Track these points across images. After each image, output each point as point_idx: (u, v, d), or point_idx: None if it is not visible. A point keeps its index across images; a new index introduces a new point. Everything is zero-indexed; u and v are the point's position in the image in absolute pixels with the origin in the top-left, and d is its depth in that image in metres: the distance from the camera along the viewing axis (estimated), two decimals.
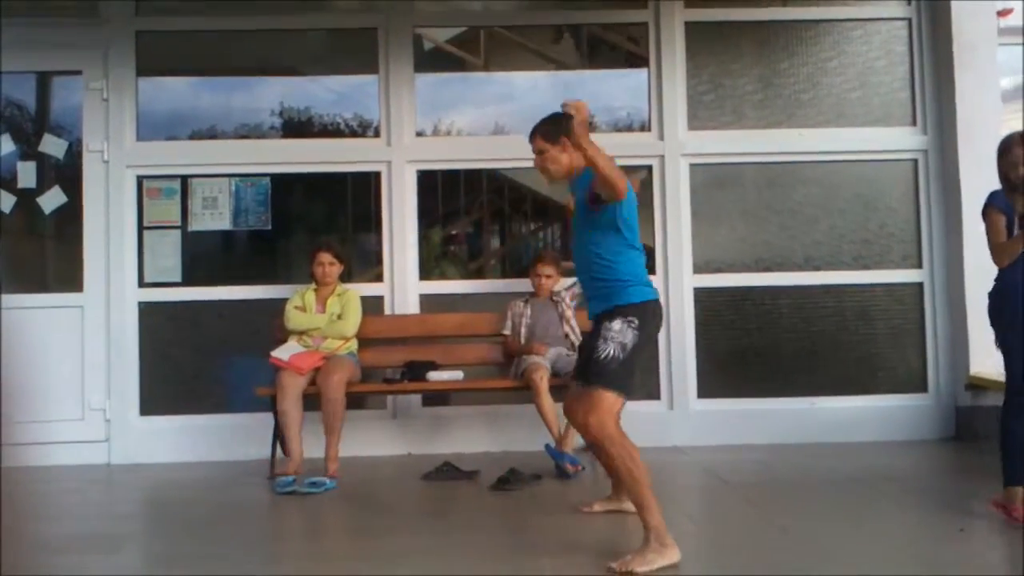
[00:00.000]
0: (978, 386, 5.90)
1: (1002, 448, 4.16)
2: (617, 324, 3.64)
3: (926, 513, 4.37)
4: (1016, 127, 6.15)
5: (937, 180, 6.23)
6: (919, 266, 6.26)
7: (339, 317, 5.55)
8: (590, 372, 3.63)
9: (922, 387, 6.20)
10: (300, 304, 5.58)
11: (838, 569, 3.46)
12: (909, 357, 6.25)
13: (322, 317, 5.54)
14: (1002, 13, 6.32)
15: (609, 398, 3.57)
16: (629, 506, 3.81)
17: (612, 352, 3.59)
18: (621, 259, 3.75)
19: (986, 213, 4.26)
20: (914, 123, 6.32)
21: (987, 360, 5.84)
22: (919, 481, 5.06)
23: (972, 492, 4.69)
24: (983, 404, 5.90)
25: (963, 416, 6.03)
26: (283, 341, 5.51)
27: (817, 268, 6.26)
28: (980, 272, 5.78)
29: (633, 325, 3.63)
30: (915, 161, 6.29)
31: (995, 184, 5.65)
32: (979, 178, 5.96)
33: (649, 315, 3.71)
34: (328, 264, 5.58)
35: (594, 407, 3.56)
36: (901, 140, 6.30)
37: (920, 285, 6.24)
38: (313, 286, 5.64)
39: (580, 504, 4.44)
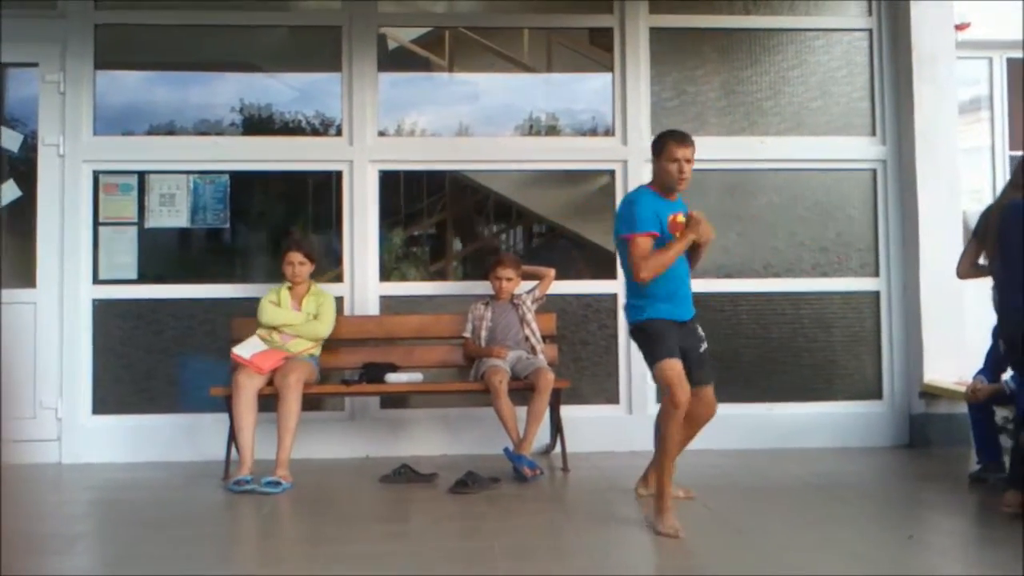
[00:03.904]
0: (931, 394, 5.98)
1: None
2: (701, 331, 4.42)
3: (878, 519, 4.41)
4: (972, 139, 6.29)
5: (895, 190, 6.30)
6: (876, 275, 6.33)
7: (315, 317, 5.50)
8: (713, 372, 4.45)
9: (877, 394, 6.27)
10: (275, 300, 5.52)
11: (791, 572, 3.49)
12: (865, 365, 6.32)
13: (298, 315, 5.49)
14: (960, 27, 6.42)
15: None
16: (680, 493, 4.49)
17: None
18: None
19: None
20: (873, 133, 6.39)
21: (940, 368, 5.95)
22: (872, 487, 5.12)
23: (923, 499, 4.77)
24: (936, 412, 5.99)
25: (916, 423, 6.11)
26: (240, 340, 5.44)
27: (776, 275, 6.31)
28: (936, 282, 5.91)
29: None
30: (874, 171, 6.36)
31: (952, 194, 5.78)
32: (937, 188, 6.08)
33: None
34: (298, 263, 5.52)
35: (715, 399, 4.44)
36: (860, 150, 6.37)
37: (877, 294, 6.32)
38: (287, 284, 5.58)
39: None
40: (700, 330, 4.43)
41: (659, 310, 4.21)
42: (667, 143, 4.23)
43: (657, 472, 4.17)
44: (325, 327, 5.53)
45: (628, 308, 4.34)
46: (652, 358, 4.17)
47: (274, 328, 5.45)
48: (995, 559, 3.70)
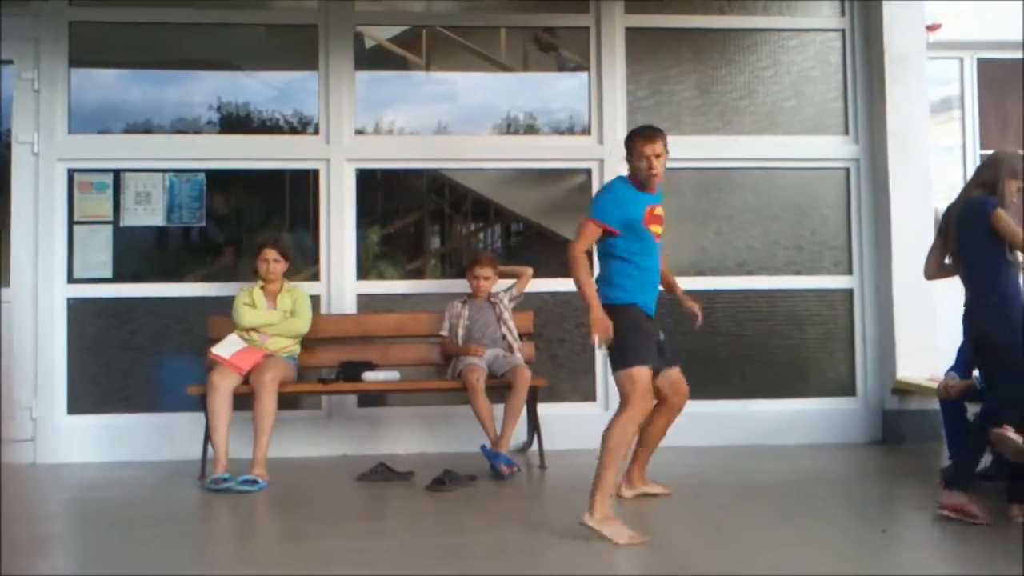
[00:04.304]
0: (904, 391, 6.04)
1: None
2: None
3: (852, 515, 4.47)
4: (943, 138, 6.36)
5: (868, 189, 6.37)
6: (849, 272, 6.39)
7: (291, 314, 5.49)
8: (675, 353, 4.57)
9: (850, 391, 6.34)
10: (249, 301, 5.50)
11: (767, 568, 3.53)
12: (838, 362, 6.38)
13: (275, 313, 5.48)
14: (931, 27, 6.50)
15: None
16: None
17: None
18: None
19: (995, 215, 4.22)
20: (846, 132, 6.45)
21: (913, 365, 6.01)
22: (846, 483, 5.17)
23: (896, 494, 4.82)
24: (909, 408, 6.06)
25: (889, 420, 6.18)
26: (217, 339, 5.43)
27: (751, 273, 6.36)
28: (908, 279, 5.97)
29: None
30: (847, 170, 6.42)
31: (924, 193, 5.82)
32: (909, 187, 6.15)
33: None
34: (273, 261, 5.50)
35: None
36: (834, 149, 6.43)
37: (850, 291, 6.38)
38: (259, 283, 5.56)
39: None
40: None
41: (639, 300, 4.22)
42: (635, 141, 4.23)
43: (599, 484, 3.96)
44: (303, 323, 5.52)
45: (612, 288, 4.19)
46: (626, 359, 4.04)
47: (253, 329, 5.44)
48: (965, 553, 3.76)
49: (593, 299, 4.07)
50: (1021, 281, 4.38)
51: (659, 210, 4.29)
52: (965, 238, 4.35)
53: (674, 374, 4.57)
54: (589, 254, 4.29)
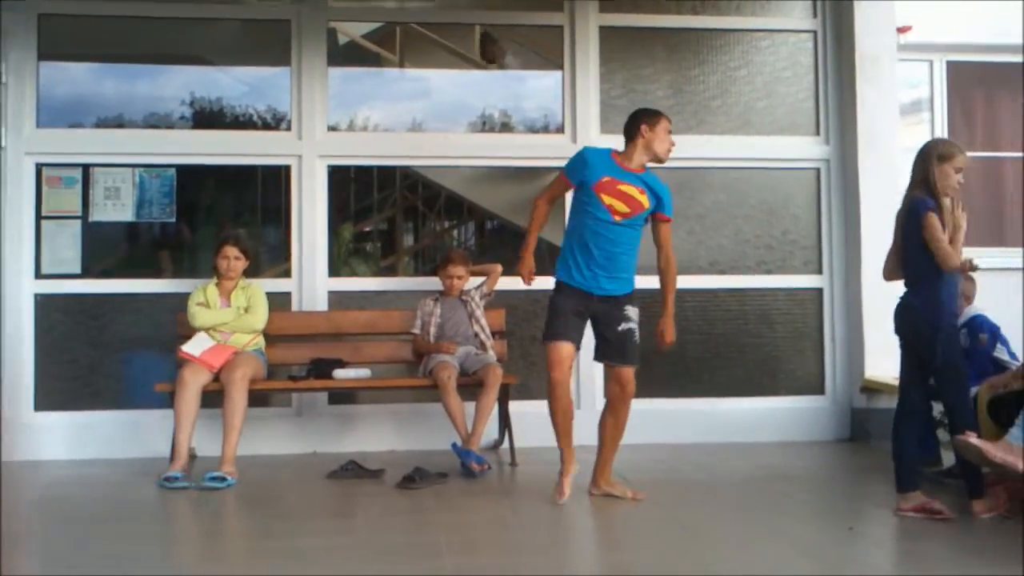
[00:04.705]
0: (872, 389, 6.11)
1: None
2: (635, 311, 4.54)
3: (820, 512, 4.51)
4: (913, 140, 6.39)
5: (838, 189, 6.42)
6: (819, 272, 6.44)
7: (246, 310, 5.47)
8: (632, 354, 4.52)
9: (819, 389, 6.39)
10: (203, 300, 5.46)
11: (734, 566, 3.55)
12: (808, 360, 6.43)
13: (229, 311, 5.45)
14: (902, 29, 6.56)
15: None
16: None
17: (638, 336, 4.55)
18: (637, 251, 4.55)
19: (925, 220, 4.18)
20: (817, 133, 6.50)
21: (881, 364, 6.06)
22: (814, 481, 5.22)
23: (864, 491, 4.87)
24: (877, 406, 6.11)
25: (858, 418, 6.24)
26: (187, 336, 5.40)
27: (722, 272, 6.40)
28: (877, 279, 5.99)
29: (638, 307, 4.57)
30: (817, 170, 6.47)
31: (893, 194, 5.83)
32: (878, 188, 6.20)
33: None
34: (234, 258, 5.47)
35: (631, 379, 4.53)
36: (805, 149, 6.48)
37: (820, 290, 6.43)
38: (214, 280, 5.53)
39: (555, 498, 4.55)
40: (630, 311, 4.54)
41: (572, 276, 4.51)
42: (661, 120, 4.56)
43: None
44: (259, 319, 5.48)
45: (557, 261, 4.64)
46: (543, 334, 4.56)
47: (209, 328, 5.40)
48: (928, 549, 3.80)
49: (526, 245, 4.70)
50: (958, 284, 4.40)
51: (633, 191, 4.43)
52: (905, 239, 4.36)
53: (620, 374, 4.54)
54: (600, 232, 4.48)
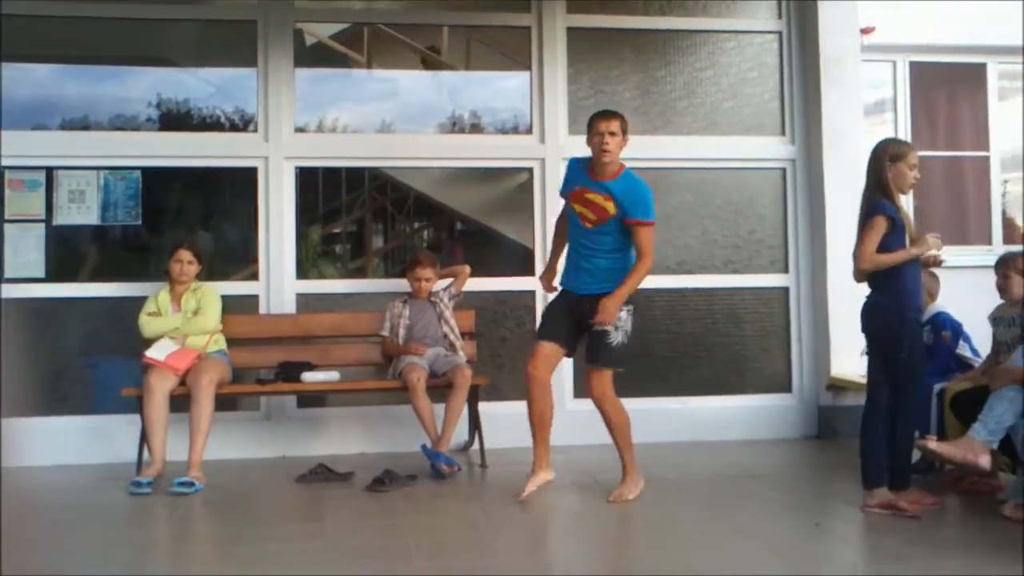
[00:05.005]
0: (838, 387, 6.17)
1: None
2: (624, 313, 4.51)
3: (787, 508, 4.55)
4: (877, 140, 6.43)
5: (804, 189, 6.48)
6: (785, 271, 6.50)
7: (195, 313, 5.42)
8: (600, 355, 4.52)
9: (787, 387, 6.45)
10: (154, 309, 5.42)
11: (702, 563, 3.58)
12: (775, 359, 6.49)
13: (177, 317, 5.40)
14: (865, 31, 6.63)
15: (610, 374, 4.57)
16: (547, 476, 4.64)
17: (620, 340, 4.52)
18: (628, 252, 4.55)
19: (872, 220, 4.27)
20: (783, 133, 6.56)
21: (847, 362, 6.13)
22: (782, 478, 5.27)
23: (830, 488, 4.92)
24: (843, 404, 6.18)
25: (824, 415, 6.30)
26: (151, 340, 5.35)
27: (689, 272, 6.44)
28: (842, 278, 6.06)
29: (631, 312, 4.56)
30: (783, 170, 6.53)
31: (858, 193, 5.86)
32: (843, 187, 6.25)
33: (634, 297, 4.58)
34: (187, 262, 5.43)
35: (597, 380, 4.56)
36: (770, 149, 6.53)
37: (786, 289, 6.49)
38: (167, 286, 5.49)
39: (516, 495, 4.58)
40: (617, 315, 4.51)
41: (564, 278, 4.73)
42: (591, 120, 4.59)
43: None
44: (208, 320, 5.41)
45: None
46: None
47: (161, 336, 5.36)
48: (892, 545, 3.84)
49: (549, 257, 5.01)
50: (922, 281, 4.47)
51: (596, 198, 4.51)
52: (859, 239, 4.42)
53: (587, 373, 4.63)
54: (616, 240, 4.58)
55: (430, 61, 6.96)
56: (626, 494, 4.57)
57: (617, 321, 4.48)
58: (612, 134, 4.47)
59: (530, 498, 4.53)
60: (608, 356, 4.54)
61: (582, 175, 4.62)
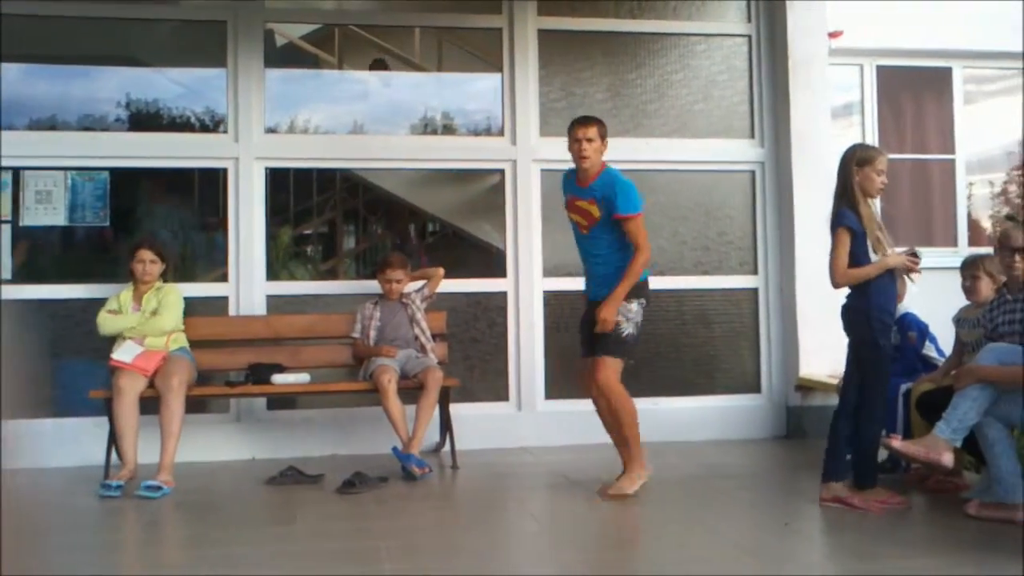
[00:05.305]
0: (806, 387, 6.23)
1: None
2: (635, 305, 4.59)
3: (756, 508, 4.59)
4: (845, 143, 6.49)
5: (772, 191, 6.53)
6: (755, 272, 6.55)
7: (154, 313, 5.38)
8: (608, 344, 4.54)
9: (756, 388, 6.50)
10: (116, 307, 5.36)
11: (675, 563, 3.60)
12: (744, 359, 6.54)
13: (135, 316, 5.34)
14: (833, 34, 6.70)
15: (616, 363, 4.58)
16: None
17: (630, 331, 4.57)
18: (629, 250, 4.60)
19: (836, 233, 4.33)
20: (752, 136, 6.60)
21: (815, 363, 6.19)
22: (752, 478, 5.31)
23: (799, 488, 4.96)
24: (811, 404, 6.24)
25: (793, 416, 6.36)
26: (112, 341, 5.29)
27: (661, 273, 6.42)
28: (810, 280, 6.14)
29: (643, 305, 4.64)
30: (753, 172, 6.58)
31: (826, 196, 5.90)
32: (811, 190, 6.31)
33: (647, 291, 4.71)
34: (149, 262, 5.38)
35: (601, 368, 4.54)
36: (740, 152, 6.58)
37: (755, 291, 6.54)
38: (131, 285, 5.44)
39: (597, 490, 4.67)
40: (624, 306, 4.59)
41: (586, 288, 4.86)
42: (569, 127, 4.69)
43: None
44: (165, 321, 5.34)
45: None
46: None
47: (118, 334, 5.31)
48: (858, 544, 3.89)
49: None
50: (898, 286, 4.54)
51: (582, 203, 4.65)
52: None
53: (594, 362, 4.67)
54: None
55: (378, 68, 6.95)
56: (626, 488, 4.58)
57: (628, 313, 4.56)
58: (590, 140, 4.58)
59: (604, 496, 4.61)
60: (616, 344, 4.57)
61: (571, 185, 4.77)
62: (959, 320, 4.86)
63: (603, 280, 4.66)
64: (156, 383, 5.10)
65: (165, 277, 5.53)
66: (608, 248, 4.64)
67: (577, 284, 6.28)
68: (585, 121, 4.66)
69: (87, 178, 5.95)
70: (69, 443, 5.63)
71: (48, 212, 5.91)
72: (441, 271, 5.91)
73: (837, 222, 4.33)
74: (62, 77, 6.26)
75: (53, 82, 6.23)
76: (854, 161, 4.35)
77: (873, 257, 4.31)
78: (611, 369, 4.59)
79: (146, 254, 5.38)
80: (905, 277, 4.56)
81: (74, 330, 5.85)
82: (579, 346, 4.84)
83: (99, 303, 5.61)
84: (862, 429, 4.33)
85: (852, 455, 4.39)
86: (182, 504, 4.73)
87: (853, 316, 4.38)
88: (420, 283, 5.87)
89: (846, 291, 4.45)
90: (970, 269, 4.75)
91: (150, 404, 5.10)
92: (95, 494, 4.85)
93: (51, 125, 6.09)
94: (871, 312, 4.30)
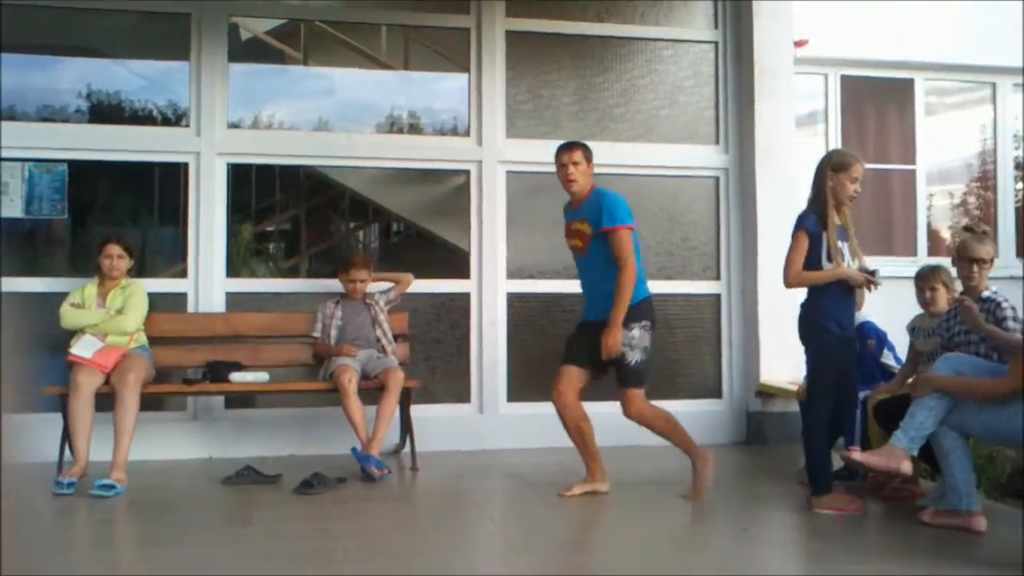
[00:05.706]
0: (767, 393, 6.27)
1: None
2: (636, 331, 4.57)
3: (714, 513, 4.59)
4: (809, 151, 6.58)
5: (736, 197, 6.57)
6: (717, 278, 6.58)
7: (119, 312, 5.30)
8: (626, 379, 4.63)
9: (717, 393, 6.53)
10: (78, 300, 5.28)
11: (633, 566, 3.60)
12: (706, 364, 6.57)
13: (99, 313, 5.25)
14: (799, 43, 6.75)
15: (640, 392, 4.67)
16: (601, 487, 4.76)
17: (638, 358, 4.59)
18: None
19: (794, 236, 4.40)
20: (717, 142, 6.64)
21: (776, 369, 6.23)
22: (710, 483, 5.31)
23: (757, 493, 4.99)
24: (771, 410, 6.28)
25: (753, 421, 6.39)
26: (72, 334, 5.20)
27: None
28: (772, 286, 6.16)
29: (646, 327, 4.61)
30: (717, 178, 6.61)
31: (789, 203, 5.97)
32: (774, 197, 6.37)
33: (651, 310, 4.67)
34: (117, 257, 5.30)
35: (631, 402, 4.67)
36: (705, 158, 6.61)
37: (718, 296, 6.57)
38: (96, 280, 5.36)
39: (561, 490, 4.74)
40: (626, 335, 4.56)
41: (584, 310, 4.86)
42: (555, 154, 4.79)
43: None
44: (129, 321, 5.28)
45: None
46: None
47: (81, 328, 5.22)
48: (815, 550, 3.92)
49: None
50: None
51: (576, 225, 4.73)
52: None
53: (621, 397, 4.74)
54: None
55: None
56: (704, 485, 4.68)
57: (631, 341, 4.56)
58: (575, 163, 4.68)
59: (573, 499, 4.67)
60: (633, 376, 4.64)
61: (567, 212, 4.86)
62: (913, 329, 4.91)
63: (599, 298, 4.65)
64: (112, 380, 5.02)
65: (131, 272, 5.44)
66: (603, 267, 4.62)
67: (540, 287, 6.34)
68: (569, 146, 4.76)
69: (45, 170, 5.84)
70: (18, 440, 5.51)
71: (4, 204, 5.80)
72: (411, 277, 5.88)
73: (798, 224, 4.41)
74: (20, 67, 6.14)
75: (10, 72, 6.09)
76: (830, 166, 4.39)
77: (826, 265, 4.34)
78: (638, 400, 4.69)
79: (114, 248, 5.29)
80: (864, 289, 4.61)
81: (30, 324, 5.71)
82: (544, 347, 4.98)
83: (56, 297, 5.52)
84: (805, 437, 4.40)
85: (805, 464, 4.43)
86: (136, 503, 4.66)
87: (801, 320, 4.44)
88: (387, 285, 5.83)
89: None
90: (928, 281, 4.79)
91: (106, 401, 5.01)
92: (44, 492, 4.75)
93: (8, 115, 5.96)
94: (816, 319, 4.37)
